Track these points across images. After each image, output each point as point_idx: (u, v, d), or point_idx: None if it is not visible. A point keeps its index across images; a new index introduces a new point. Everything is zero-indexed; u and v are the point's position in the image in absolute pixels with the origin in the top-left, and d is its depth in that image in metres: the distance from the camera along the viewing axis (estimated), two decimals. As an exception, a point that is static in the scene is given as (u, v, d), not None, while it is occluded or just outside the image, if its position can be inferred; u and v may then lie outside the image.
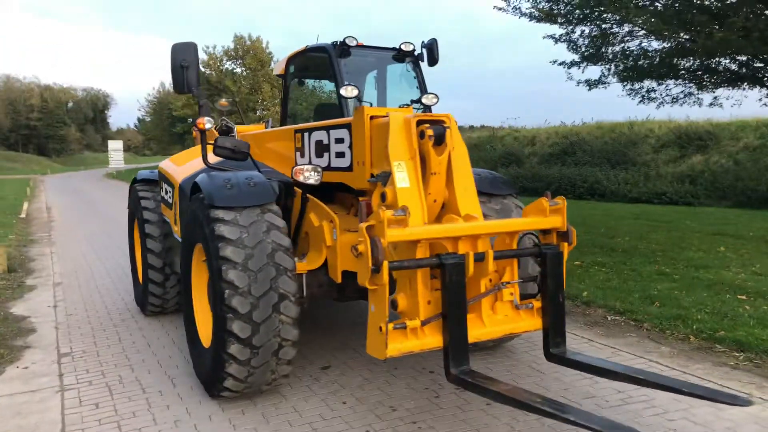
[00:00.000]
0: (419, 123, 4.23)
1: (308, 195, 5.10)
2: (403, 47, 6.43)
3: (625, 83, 14.08)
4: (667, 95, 14.37)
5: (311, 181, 4.91)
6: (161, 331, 6.50)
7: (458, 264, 3.74)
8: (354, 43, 6.20)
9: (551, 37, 14.35)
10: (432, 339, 3.78)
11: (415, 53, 6.53)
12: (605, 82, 14.60)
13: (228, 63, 40.92)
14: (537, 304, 4.15)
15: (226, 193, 4.39)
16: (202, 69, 41.49)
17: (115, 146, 60.93)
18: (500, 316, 4.10)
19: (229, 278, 4.06)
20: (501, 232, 4.12)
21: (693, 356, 5.37)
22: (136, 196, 7.22)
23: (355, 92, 4.80)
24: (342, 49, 6.21)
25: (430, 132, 4.15)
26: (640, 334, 6.00)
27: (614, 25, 13.46)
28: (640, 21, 11.71)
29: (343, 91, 4.79)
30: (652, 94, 14.45)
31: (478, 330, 3.98)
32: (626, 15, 11.35)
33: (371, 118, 4.53)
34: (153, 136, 60.00)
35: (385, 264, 3.52)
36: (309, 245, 5.08)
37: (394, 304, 3.96)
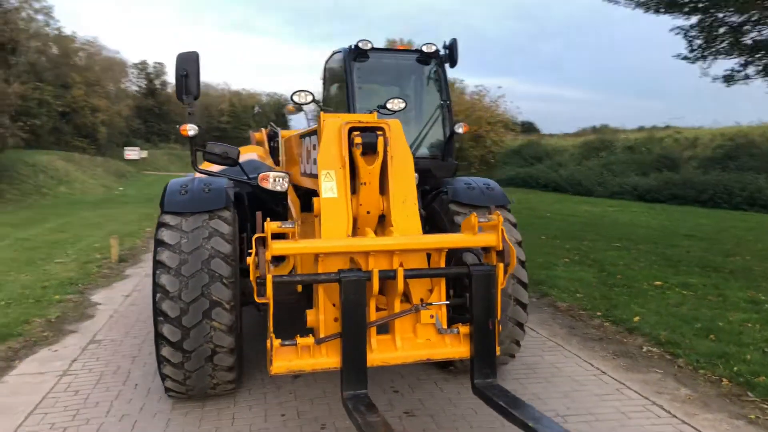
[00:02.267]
0: (353, 130, 4.03)
1: (285, 201, 5.09)
2: (425, 49, 6.16)
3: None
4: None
5: (278, 188, 4.89)
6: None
7: (356, 281, 3.51)
8: (368, 47, 6.06)
9: (679, 29, 12.90)
10: (329, 359, 3.60)
11: (439, 54, 6.22)
12: (747, 77, 12.85)
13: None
14: (464, 329, 3.77)
15: (177, 198, 4.51)
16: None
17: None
18: (421, 340, 3.80)
19: (161, 282, 4.17)
20: (412, 249, 3.78)
21: (711, 404, 4.55)
22: None
23: (309, 98, 4.67)
24: (357, 52, 6.10)
25: (358, 140, 3.94)
26: (667, 371, 5.20)
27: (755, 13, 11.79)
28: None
29: (295, 97, 4.69)
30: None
31: (388, 353, 3.72)
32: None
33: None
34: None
35: (269, 277, 3.40)
36: None
37: (304, 319, 3.82)
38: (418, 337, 3.81)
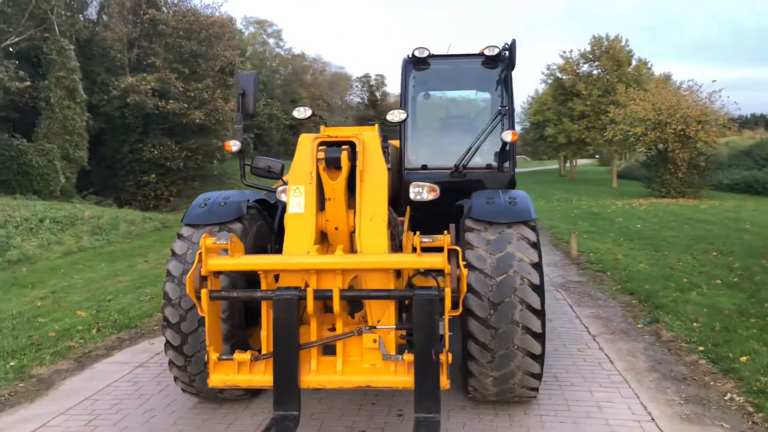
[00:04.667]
0: (321, 144, 3.97)
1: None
2: (486, 52, 5.81)
3: None
4: None
5: (282, 197, 4.99)
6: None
7: (288, 300, 3.47)
8: (425, 54, 5.90)
9: None
10: (265, 377, 3.61)
11: (503, 57, 5.82)
12: None
13: (585, 66, 39.82)
14: (409, 357, 3.50)
15: (196, 211, 4.81)
16: (558, 75, 41.25)
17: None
18: (367, 365, 3.63)
19: (165, 289, 4.49)
20: (352, 269, 3.59)
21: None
22: None
23: (308, 113, 4.66)
24: (415, 60, 5.97)
25: (321, 155, 3.87)
26: (735, 427, 4.26)
27: None
28: None
29: (295, 113, 4.71)
30: None
31: (327, 376, 3.61)
32: None
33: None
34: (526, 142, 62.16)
35: (204, 292, 3.52)
36: None
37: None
38: (365, 361, 3.63)
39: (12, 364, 5.98)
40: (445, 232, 3.48)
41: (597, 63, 39.03)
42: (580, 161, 57.92)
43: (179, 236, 4.69)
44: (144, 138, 26.81)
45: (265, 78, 50.57)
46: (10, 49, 21.16)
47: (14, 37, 21.08)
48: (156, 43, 26.07)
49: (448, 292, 3.40)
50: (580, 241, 13.13)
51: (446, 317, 3.43)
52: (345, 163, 3.87)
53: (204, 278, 3.58)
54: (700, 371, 5.36)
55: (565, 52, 40.14)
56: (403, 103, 6.00)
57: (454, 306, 3.50)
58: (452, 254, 3.48)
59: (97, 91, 25.86)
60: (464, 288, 3.43)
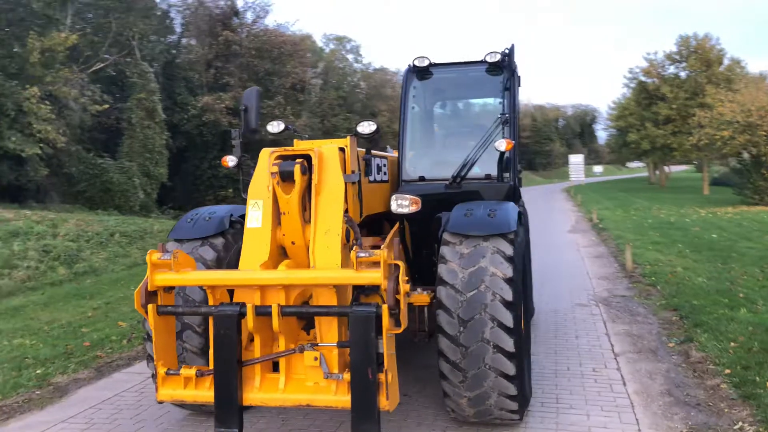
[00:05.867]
0: (278, 158, 3.95)
1: None
2: (488, 58, 5.62)
3: None
4: None
5: None
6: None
7: (228, 316, 3.45)
8: (425, 63, 5.79)
9: None
10: (209, 393, 3.59)
11: (505, 63, 5.61)
12: None
13: (671, 67, 37.93)
14: (348, 376, 3.39)
15: (183, 225, 4.90)
16: (642, 78, 39.52)
17: (576, 160, 62.97)
18: (310, 383, 3.55)
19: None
20: (292, 285, 3.51)
21: None
22: None
23: (281, 128, 4.64)
24: (416, 69, 5.86)
25: (275, 168, 3.85)
26: (735, 461, 3.85)
27: None
28: None
29: (269, 127, 4.70)
30: None
31: (269, 393, 3.56)
32: None
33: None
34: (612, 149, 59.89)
35: (150, 307, 3.57)
36: None
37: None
38: (308, 379, 3.54)
39: (38, 371, 6.31)
40: (382, 246, 3.35)
41: (684, 64, 37.08)
42: (677, 168, 55.10)
43: (166, 251, 4.78)
44: (222, 154, 27.78)
45: (346, 94, 51.42)
46: (92, 73, 22.59)
47: (99, 63, 22.53)
48: (231, 63, 27.11)
49: (384, 308, 3.27)
50: (642, 253, 12.46)
51: (384, 335, 3.29)
52: (298, 176, 3.83)
53: (153, 293, 3.63)
54: (719, 396, 4.89)
55: (649, 53, 38.56)
56: (402, 113, 5.89)
57: (398, 324, 3.36)
58: (394, 269, 3.35)
59: (178, 110, 27.18)
60: (402, 306, 3.28)
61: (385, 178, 5.53)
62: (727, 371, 5.31)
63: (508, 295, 4.04)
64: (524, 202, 6.35)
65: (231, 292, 3.78)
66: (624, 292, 9.05)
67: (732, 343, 6.02)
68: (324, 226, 3.86)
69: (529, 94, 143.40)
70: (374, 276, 3.32)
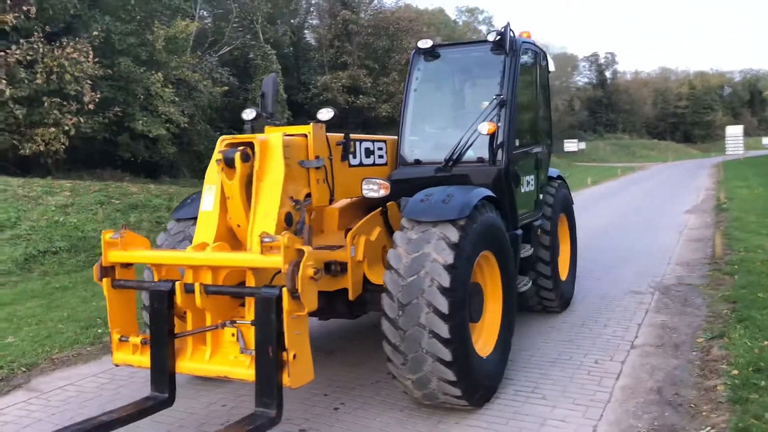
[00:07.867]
0: (227, 145, 4.22)
1: None
2: (489, 37, 5.52)
3: None
4: None
5: None
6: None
7: (159, 292, 3.82)
8: (427, 45, 5.79)
9: None
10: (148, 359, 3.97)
11: (503, 42, 5.45)
12: None
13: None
14: (257, 353, 3.62)
15: (183, 206, 5.35)
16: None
17: (734, 132, 57.39)
18: (230, 357, 3.84)
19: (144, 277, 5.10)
20: (206, 266, 3.76)
21: None
22: None
23: (253, 115, 4.87)
24: (421, 51, 5.88)
25: (219, 156, 4.13)
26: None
27: None
28: None
29: (243, 114, 4.95)
30: None
31: (197, 363, 3.88)
32: None
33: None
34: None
35: (105, 280, 4.03)
36: None
37: None
38: (230, 353, 3.82)
39: (99, 331, 7.15)
40: (283, 232, 3.51)
41: None
42: None
43: (166, 230, 5.27)
44: (338, 131, 28.86)
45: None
46: (220, 57, 24.23)
47: (225, 46, 24.14)
48: (349, 42, 27.83)
49: (284, 291, 3.44)
50: (748, 238, 11.33)
51: (285, 316, 3.46)
52: (239, 163, 4.07)
53: (111, 268, 4.06)
54: (708, 398, 4.51)
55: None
56: (405, 95, 5.91)
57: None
58: (297, 255, 3.50)
59: (302, 89, 28.45)
60: (302, 290, 3.41)
61: (381, 161, 5.60)
62: (734, 372, 4.86)
63: (446, 282, 4.04)
64: (616, 177, 6.21)
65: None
66: (694, 281, 8.37)
67: (766, 342, 5.45)
68: (263, 210, 4.08)
69: (686, 61, 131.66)
70: (275, 259, 3.50)
